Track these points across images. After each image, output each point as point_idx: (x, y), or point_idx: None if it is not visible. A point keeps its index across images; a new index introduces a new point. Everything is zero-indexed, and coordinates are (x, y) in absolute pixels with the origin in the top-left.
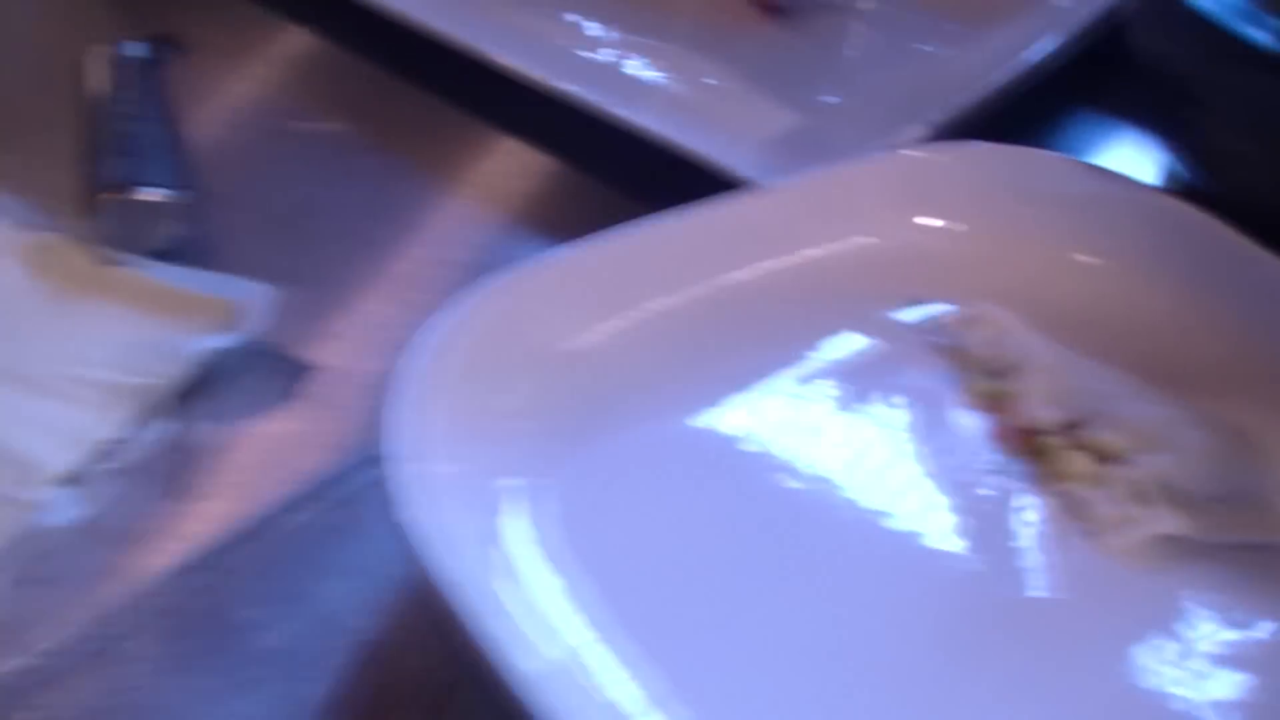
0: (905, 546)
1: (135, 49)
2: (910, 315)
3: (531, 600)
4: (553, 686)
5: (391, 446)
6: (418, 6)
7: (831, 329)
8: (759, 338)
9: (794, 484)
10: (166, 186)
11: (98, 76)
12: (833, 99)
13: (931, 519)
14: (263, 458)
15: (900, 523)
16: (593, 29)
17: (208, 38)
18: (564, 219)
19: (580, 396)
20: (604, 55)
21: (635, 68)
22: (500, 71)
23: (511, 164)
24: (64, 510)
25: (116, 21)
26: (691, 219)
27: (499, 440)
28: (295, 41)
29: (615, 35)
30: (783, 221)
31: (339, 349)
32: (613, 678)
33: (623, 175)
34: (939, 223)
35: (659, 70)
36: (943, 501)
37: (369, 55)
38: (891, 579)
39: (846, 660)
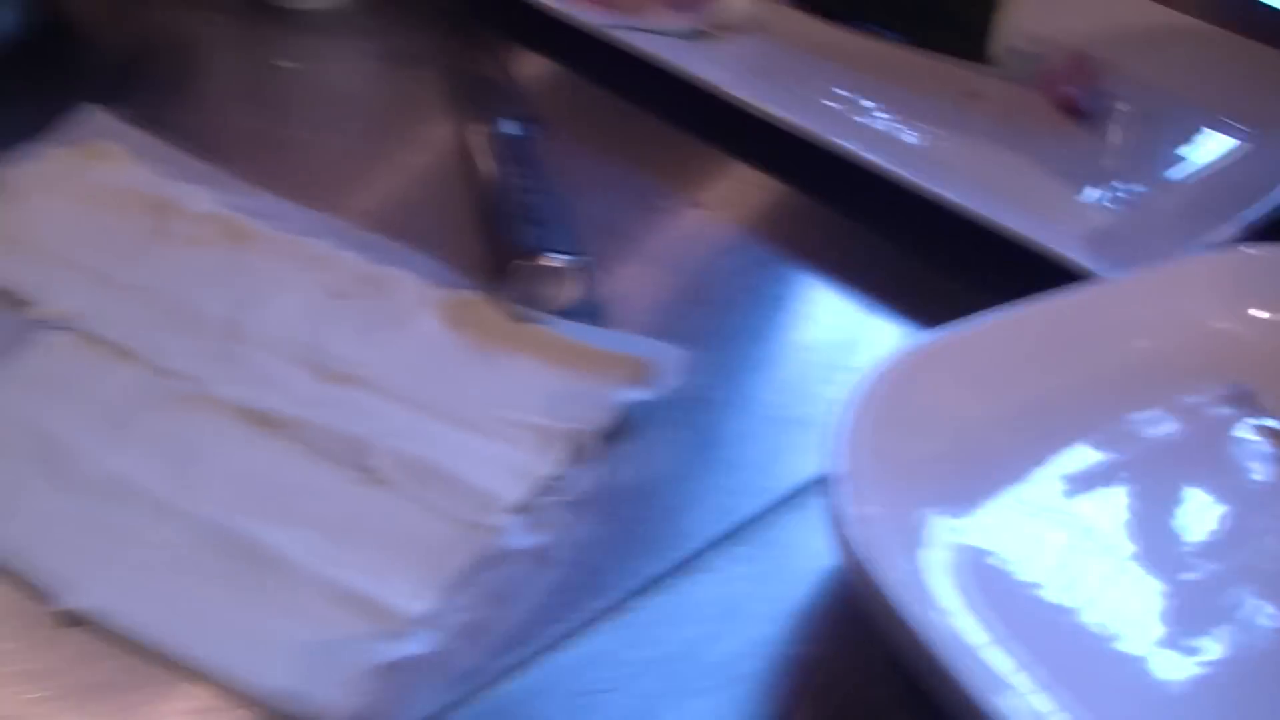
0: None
1: (509, 127)
2: (1240, 402)
3: (962, 629)
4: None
5: (831, 486)
6: (773, 104)
7: (1167, 412)
8: (1109, 417)
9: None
10: (568, 252)
11: (482, 152)
12: (1137, 195)
13: None
14: (682, 500)
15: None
16: (907, 132)
17: (565, 119)
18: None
19: (974, 453)
20: (918, 140)
21: (946, 155)
22: (843, 157)
23: (861, 251)
24: (518, 536)
25: (488, 104)
26: (1050, 307)
27: (917, 482)
28: (642, 124)
29: (929, 129)
30: (1127, 311)
31: (741, 401)
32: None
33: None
34: (1268, 315)
35: (966, 158)
36: None
37: (711, 138)
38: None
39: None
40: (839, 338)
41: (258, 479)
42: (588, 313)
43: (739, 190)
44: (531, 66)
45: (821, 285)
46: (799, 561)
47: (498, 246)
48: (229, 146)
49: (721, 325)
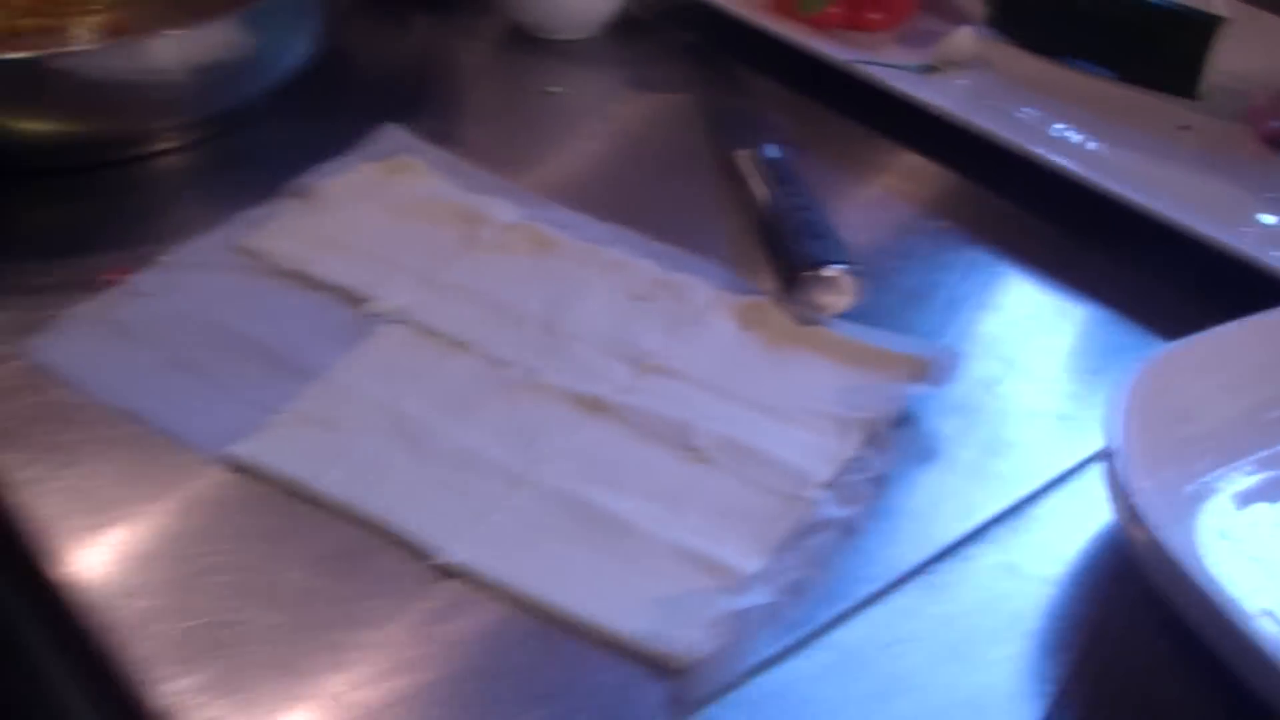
0: None
1: (772, 151)
2: None
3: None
4: None
5: (1112, 460)
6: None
7: None
8: None
9: None
10: (843, 263)
11: (751, 174)
12: None
13: None
14: (965, 478)
15: None
16: (1123, 159)
17: (811, 143)
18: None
19: (1230, 439)
20: (1134, 166)
21: (1162, 180)
22: (1069, 179)
23: (1092, 269)
24: (830, 509)
25: (747, 130)
26: None
27: (1185, 460)
28: (881, 148)
29: (1143, 158)
30: None
31: (1009, 396)
32: None
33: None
34: None
35: (1181, 184)
36: None
37: (948, 163)
38: None
39: None
40: (1085, 344)
41: (595, 455)
42: (863, 316)
43: (975, 209)
44: (777, 93)
45: (1061, 299)
46: (1072, 533)
47: (779, 259)
48: (511, 163)
49: (981, 332)
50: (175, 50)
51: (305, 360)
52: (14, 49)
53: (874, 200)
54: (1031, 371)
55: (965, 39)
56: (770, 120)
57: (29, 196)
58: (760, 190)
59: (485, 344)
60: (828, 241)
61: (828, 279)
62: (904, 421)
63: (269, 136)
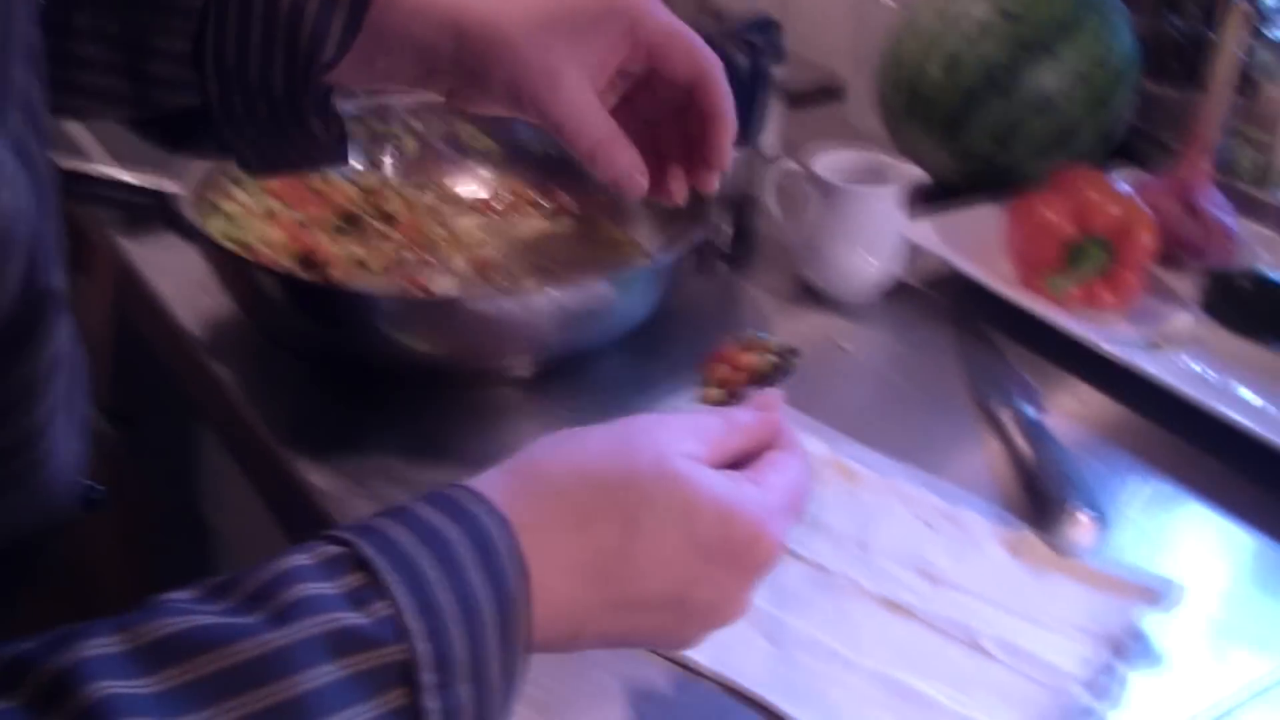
0: None
1: (1029, 409)
2: None
3: None
4: None
5: None
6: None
7: None
8: None
9: None
10: (1091, 508)
11: (1011, 426)
12: None
13: None
14: (1168, 689)
15: None
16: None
17: (1059, 403)
18: None
19: None
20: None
21: None
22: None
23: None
24: (1086, 699)
25: (1005, 389)
26: None
27: None
28: (1116, 414)
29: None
30: None
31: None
32: None
33: None
34: None
35: None
36: None
37: (1177, 430)
38: None
39: None
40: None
41: (905, 648)
42: (1102, 552)
43: (1188, 468)
44: (1027, 357)
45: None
46: None
47: (1039, 500)
48: (813, 405)
49: (1192, 570)
50: (549, 302)
51: None
52: (401, 277)
53: (1105, 453)
54: (1233, 600)
55: (1183, 322)
56: (1021, 380)
57: (402, 404)
58: (1020, 442)
59: (812, 555)
60: (1078, 489)
61: (1079, 520)
62: (1137, 635)
63: (605, 372)
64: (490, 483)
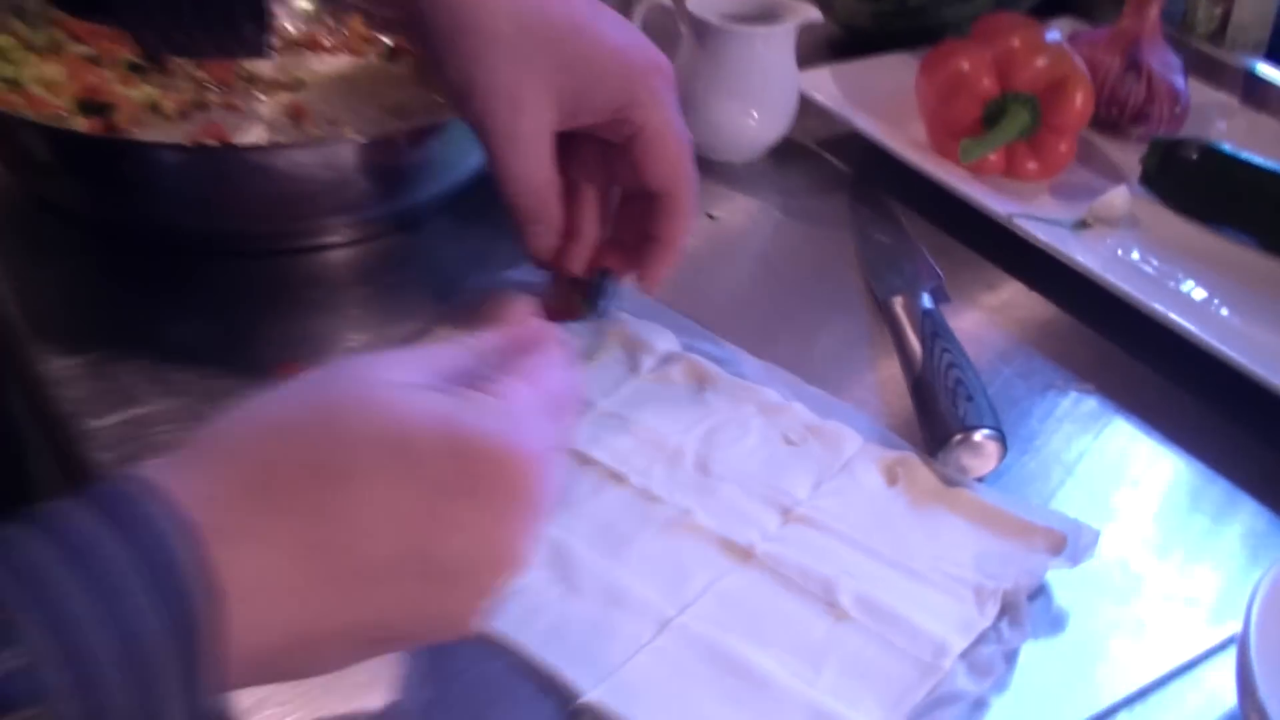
0: None
1: (926, 300)
2: None
3: None
4: None
5: (1244, 660)
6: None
7: None
8: None
9: None
10: (991, 428)
11: (904, 323)
12: None
13: None
14: (1097, 657)
15: None
16: (1245, 324)
17: (960, 290)
18: None
19: None
20: (1261, 335)
21: None
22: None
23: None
24: (964, 680)
25: (902, 275)
26: None
27: None
28: (1030, 302)
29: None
30: None
31: (1138, 576)
32: None
33: None
34: None
35: None
36: None
37: (1104, 327)
38: None
39: None
40: (1222, 527)
41: (740, 602)
42: (1004, 480)
43: (1119, 373)
44: (930, 234)
45: (1201, 477)
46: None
47: (928, 416)
48: (668, 287)
49: (1118, 506)
50: (357, 154)
51: None
52: (199, 125)
53: (1019, 356)
54: (1166, 551)
55: (1118, 198)
56: (924, 264)
57: (203, 277)
58: (912, 342)
59: (640, 478)
60: (977, 404)
61: (975, 442)
62: (1037, 594)
63: (435, 240)
64: (167, 469)
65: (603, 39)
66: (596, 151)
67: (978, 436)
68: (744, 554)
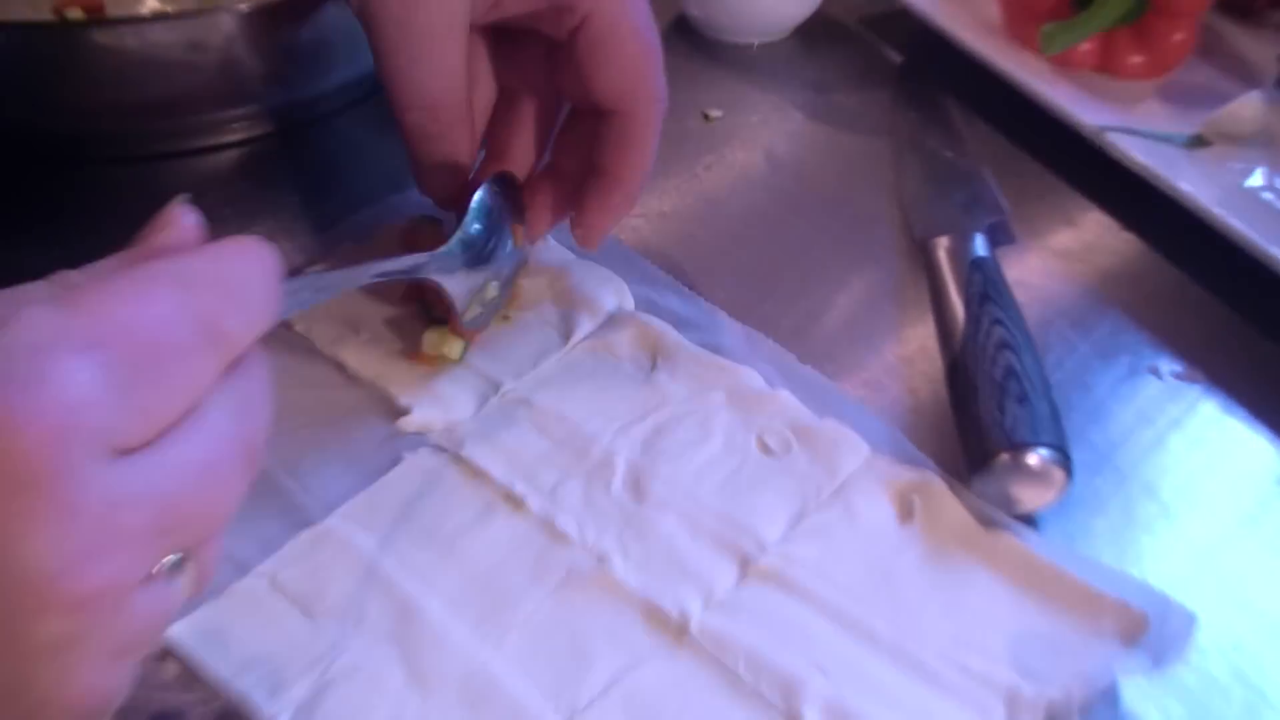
0: None
1: (980, 246)
2: None
3: None
4: None
5: None
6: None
7: None
8: None
9: None
10: (1047, 447)
11: (947, 275)
12: None
13: None
14: None
15: None
16: None
17: (1026, 221)
18: None
19: None
20: None
21: None
22: None
23: None
24: None
25: (951, 203)
26: None
27: None
28: (1119, 242)
29: None
30: None
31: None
32: None
33: None
34: None
35: None
36: None
37: (1212, 287)
38: None
39: None
40: None
41: (657, 710)
42: (1066, 514)
43: (1226, 346)
44: (996, 147)
45: None
46: None
47: (967, 422)
48: (633, 213)
49: (1226, 566)
50: (235, 27)
51: (306, 494)
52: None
53: (1100, 324)
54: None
55: (1249, 108)
56: (984, 190)
57: (84, 184)
58: (954, 304)
59: (544, 502)
60: (1034, 409)
61: (1027, 466)
62: (1099, 708)
63: (349, 137)
64: None
65: None
66: (541, 53)
67: (1031, 458)
68: (675, 631)
